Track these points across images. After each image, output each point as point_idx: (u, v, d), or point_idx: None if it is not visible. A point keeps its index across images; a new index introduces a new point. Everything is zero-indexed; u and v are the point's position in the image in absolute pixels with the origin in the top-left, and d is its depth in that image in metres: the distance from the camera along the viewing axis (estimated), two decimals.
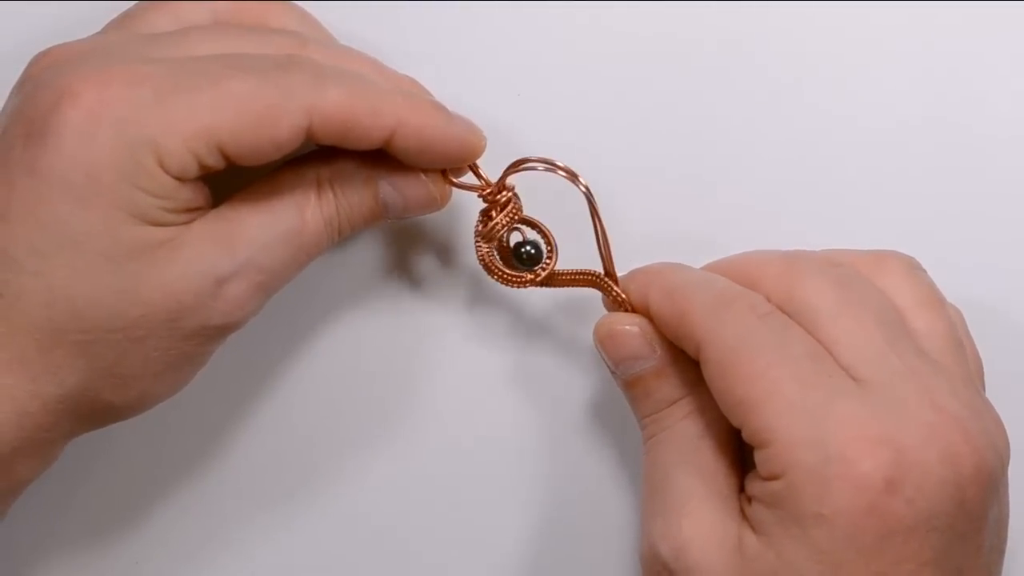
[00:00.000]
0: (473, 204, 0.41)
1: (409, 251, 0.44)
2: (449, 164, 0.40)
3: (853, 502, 0.34)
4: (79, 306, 0.36)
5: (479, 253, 0.41)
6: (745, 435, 0.36)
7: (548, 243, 0.41)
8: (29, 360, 0.36)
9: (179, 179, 0.36)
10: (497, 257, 0.41)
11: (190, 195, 0.37)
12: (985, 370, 0.40)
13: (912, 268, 0.40)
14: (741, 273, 0.39)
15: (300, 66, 0.37)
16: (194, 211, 0.37)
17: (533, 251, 0.41)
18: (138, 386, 0.37)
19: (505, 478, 0.44)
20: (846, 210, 0.44)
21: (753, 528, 0.36)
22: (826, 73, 0.44)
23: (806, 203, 0.44)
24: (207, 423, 0.44)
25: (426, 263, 0.44)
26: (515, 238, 0.42)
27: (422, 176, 0.40)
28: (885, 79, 0.44)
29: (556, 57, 0.44)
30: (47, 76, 0.36)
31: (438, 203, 0.40)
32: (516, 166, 0.40)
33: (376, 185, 0.39)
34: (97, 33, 0.40)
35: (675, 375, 0.40)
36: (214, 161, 0.36)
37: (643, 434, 0.41)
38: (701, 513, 0.37)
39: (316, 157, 0.39)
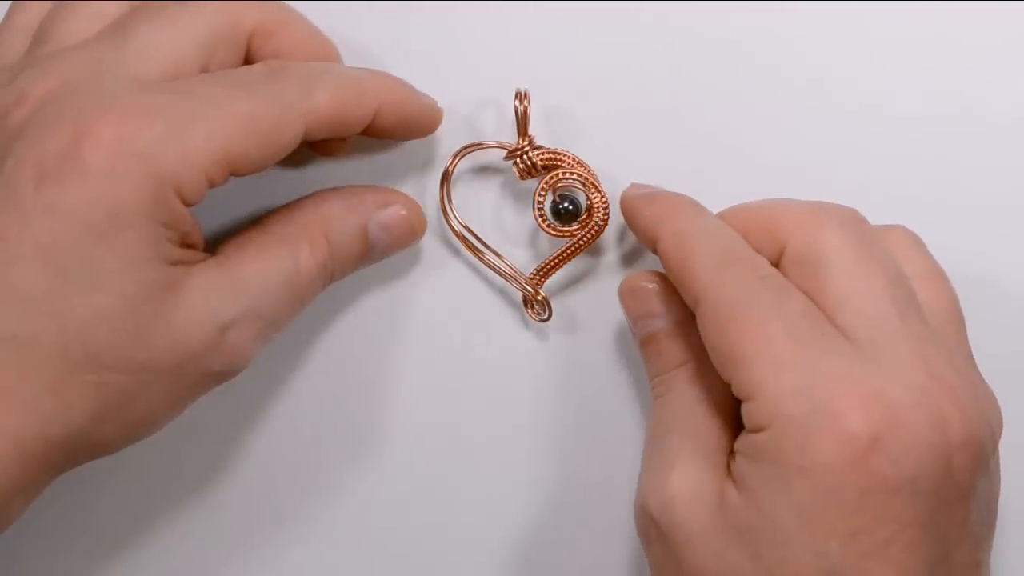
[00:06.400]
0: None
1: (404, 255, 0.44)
2: (420, 134, 0.42)
3: (836, 456, 0.34)
4: (94, 348, 0.35)
5: (541, 213, 0.42)
6: (734, 389, 0.36)
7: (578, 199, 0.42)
8: (40, 402, 0.35)
9: (190, 205, 0.37)
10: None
11: (191, 225, 0.37)
12: (981, 353, 0.39)
13: (918, 243, 0.40)
14: (766, 216, 0.39)
15: (286, 74, 0.39)
16: (191, 247, 0.37)
17: (571, 207, 0.42)
18: (134, 430, 0.37)
19: (516, 474, 0.44)
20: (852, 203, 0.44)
21: (736, 483, 0.36)
22: (825, 71, 0.44)
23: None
24: (211, 435, 0.44)
25: (424, 262, 0.44)
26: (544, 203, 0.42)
27: (403, 212, 0.42)
28: (888, 75, 0.44)
29: (556, 57, 0.44)
30: (49, 114, 0.36)
31: (417, 235, 0.43)
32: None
33: (365, 227, 0.41)
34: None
35: (684, 337, 0.40)
36: (222, 180, 0.37)
37: (652, 394, 0.41)
38: (688, 470, 0.37)
39: (306, 204, 0.41)
